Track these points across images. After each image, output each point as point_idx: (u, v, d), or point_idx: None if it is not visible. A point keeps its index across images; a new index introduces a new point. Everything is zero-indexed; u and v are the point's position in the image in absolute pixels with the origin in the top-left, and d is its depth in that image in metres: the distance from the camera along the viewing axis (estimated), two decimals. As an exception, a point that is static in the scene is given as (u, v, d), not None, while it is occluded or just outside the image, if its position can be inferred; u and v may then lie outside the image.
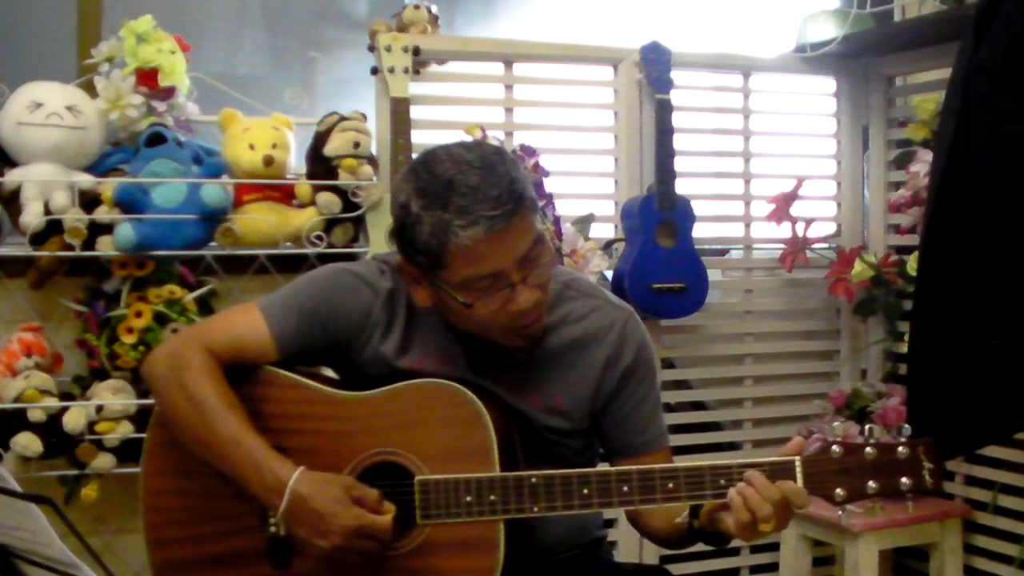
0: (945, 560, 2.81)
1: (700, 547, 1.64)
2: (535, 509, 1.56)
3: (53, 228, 2.44)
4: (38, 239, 2.44)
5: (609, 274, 2.89)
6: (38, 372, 2.42)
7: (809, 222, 3.09)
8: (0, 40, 3.05)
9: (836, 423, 1.79)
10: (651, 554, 2.90)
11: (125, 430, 2.43)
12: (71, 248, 2.44)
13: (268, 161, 2.58)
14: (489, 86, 2.95)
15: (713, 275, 2.99)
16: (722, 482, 1.50)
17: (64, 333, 2.60)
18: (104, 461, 2.44)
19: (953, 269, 2.20)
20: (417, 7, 2.78)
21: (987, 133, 2.12)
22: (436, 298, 1.62)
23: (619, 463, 1.72)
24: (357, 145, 2.62)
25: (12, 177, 2.45)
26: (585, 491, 1.55)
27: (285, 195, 2.66)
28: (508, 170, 1.54)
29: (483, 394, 1.62)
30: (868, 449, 1.47)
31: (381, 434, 1.63)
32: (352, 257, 2.60)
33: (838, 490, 1.47)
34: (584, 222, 2.89)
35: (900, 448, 1.47)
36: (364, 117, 2.70)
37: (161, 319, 2.48)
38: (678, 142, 2.90)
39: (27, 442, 2.37)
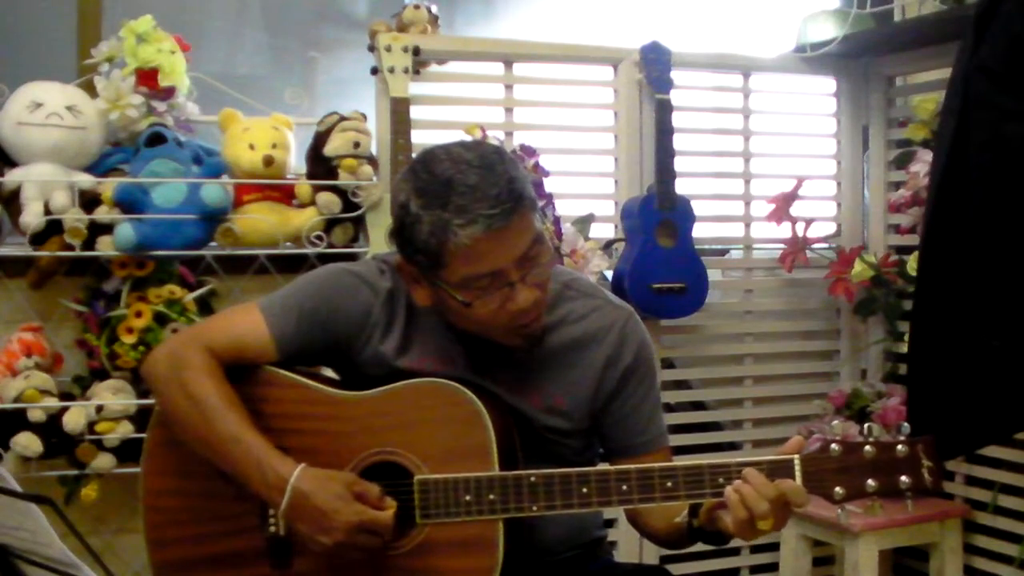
0: (945, 560, 2.81)
1: (700, 547, 1.64)
2: (534, 508, 1.56)
3: (53, 228, 2.44)
4: (38, 239, 2.45)
5: (609, 274, 2.89)
6: (38, 372, 2.42)
7: (809, 222, 3.09)
8: (0, 40, 3.05)
9: (835, 422, 1.79)
10: (651, 554, 2.90)
11: (125, 430, 2.43)
12: (71, 248, 2.45)
13: (268, 161, 2.58)
14: (489, 86, 2.95)
15: (713, 275, 3.00)
16: (721, 481, 1.50)
17: (64, 333, 2.60)
18: (104, 461, 2.44)
19: (953, 269, 2.20)
20: (417, 7, 2.78)
21: (987, 133, 2.12)
22: (436, 297, 1.62)
23: (619, 463, 1.72)
24: (357, 145, 2.62)
25: (12, 177, 2.45)
26: (584, 490, 1.55)
27: (285, 195, 2.66)
28: (507, 169, 1.54)
29: (483, 394, 1.62)
30: (867, 447, 1.47)
31: (381, 434, 1.63)
32: (352, 257, 2.60)
33: (837, 489, 1.47)
34: (584, 222, 2.89)
35: (899, 446, 1.47)
36: (364, 117, 2.70)
37: (161, 319, 2.48)
38: (678, 142, 2.90)
39: (27, 442, 2.37)
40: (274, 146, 2.61)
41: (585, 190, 3.03)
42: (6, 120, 2.46)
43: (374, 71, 2.71)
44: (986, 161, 2.12)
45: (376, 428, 1.63)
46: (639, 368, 1.73)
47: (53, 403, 2.41)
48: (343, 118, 2.65)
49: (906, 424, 1.50)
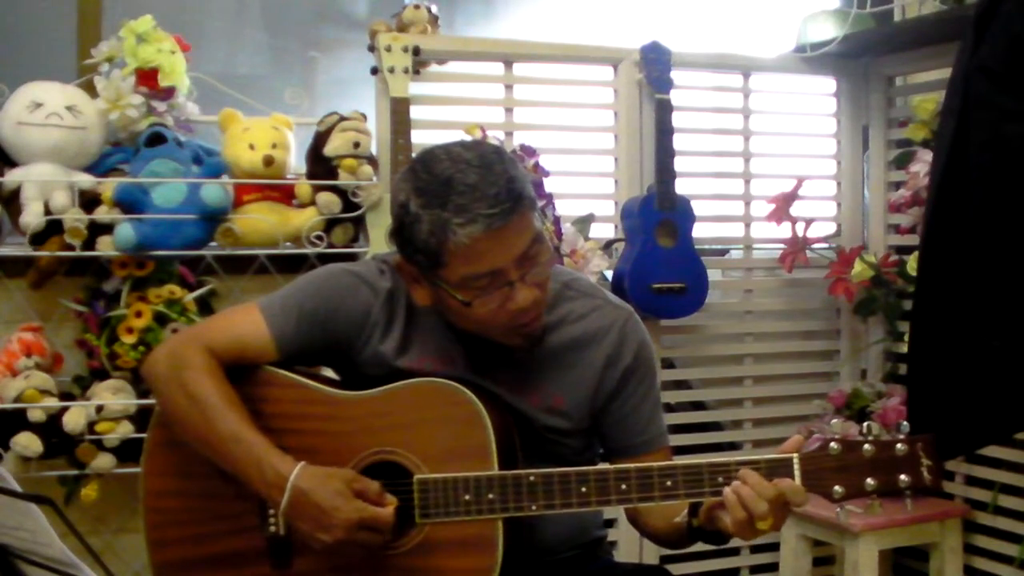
0: (945, 560, 2.81)
1: (700, 547, 1.64)
2: (533, 508, 1.56)
3: (53, 228, 2.44)
4: (38, 239, 2.45)
5: (609, 274, 2.89)
6: (38, 372, 2.42)
7: (809, 222, 3.09)
8: (0, 40, 3.05)
9: (834, 421, 1.79)
10: (651, 554, 2.90)
11: (125, 430, 2.43)
12: (71, 248, 2.45)
13: (268, 161, 2.58)
14: (489, 86, 2.95)
15: (713, 275, 3.00)
16: (720, 480, 1.50)
17: (64, 333, 2.60)
18: (104, 461, 2.44)
19: (953, 269, 2.20)
20: (417, 7, 2.78)
21: (987, 133, 2.12)
22: (435, 297, 1.62)
23: (619, 463, 1.72)
24: (357, 145, 2.62)
25: (12, 177, 2.45)
26: (583, 489, 1.55)
27: (285, 195, 2.66)
28: (506, 169, 1.54)
29: (482, 394, 1.62)
30: (866, 446, 1.47)
31: (380, 433, 1.63)
32: (352, 257, 2.60)
33: (836, 487, 1.47)
34: (584, 222, 2.89)
35: (898, 445, 1.46)
36: (364, 117, 2.70)
37: (161, 319, 2.48)
38: (678, 142, 2.90)
39: (27, 442, 2.37)
40: (274, 146, 2.61)
41: (585, 190, 3.03)
42: (6, 120, 2.46)
43: (374, 71, 2.71)
44: (986, 161, 2.12)
45: (376, 428, 1.63)
46: (639, 368, 1.73)
47: (53, 403, 2.41)
48: (343, 118, 2.65)
49: (905, 423, 1.50)
